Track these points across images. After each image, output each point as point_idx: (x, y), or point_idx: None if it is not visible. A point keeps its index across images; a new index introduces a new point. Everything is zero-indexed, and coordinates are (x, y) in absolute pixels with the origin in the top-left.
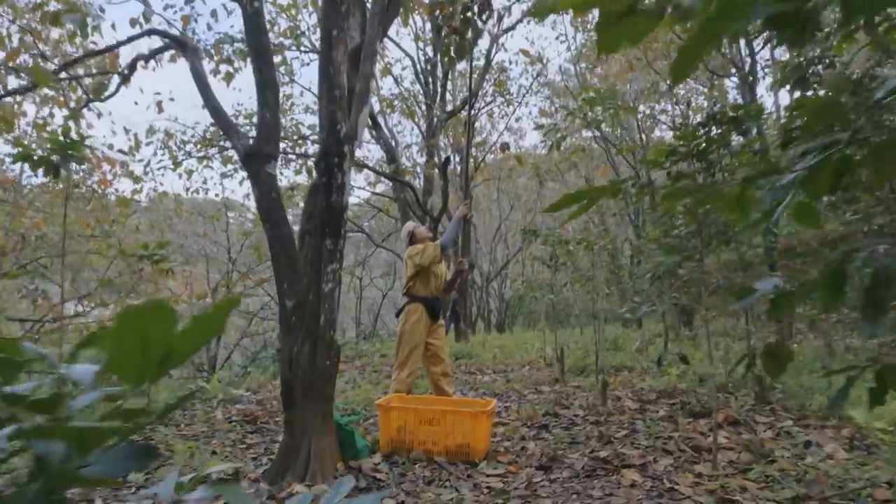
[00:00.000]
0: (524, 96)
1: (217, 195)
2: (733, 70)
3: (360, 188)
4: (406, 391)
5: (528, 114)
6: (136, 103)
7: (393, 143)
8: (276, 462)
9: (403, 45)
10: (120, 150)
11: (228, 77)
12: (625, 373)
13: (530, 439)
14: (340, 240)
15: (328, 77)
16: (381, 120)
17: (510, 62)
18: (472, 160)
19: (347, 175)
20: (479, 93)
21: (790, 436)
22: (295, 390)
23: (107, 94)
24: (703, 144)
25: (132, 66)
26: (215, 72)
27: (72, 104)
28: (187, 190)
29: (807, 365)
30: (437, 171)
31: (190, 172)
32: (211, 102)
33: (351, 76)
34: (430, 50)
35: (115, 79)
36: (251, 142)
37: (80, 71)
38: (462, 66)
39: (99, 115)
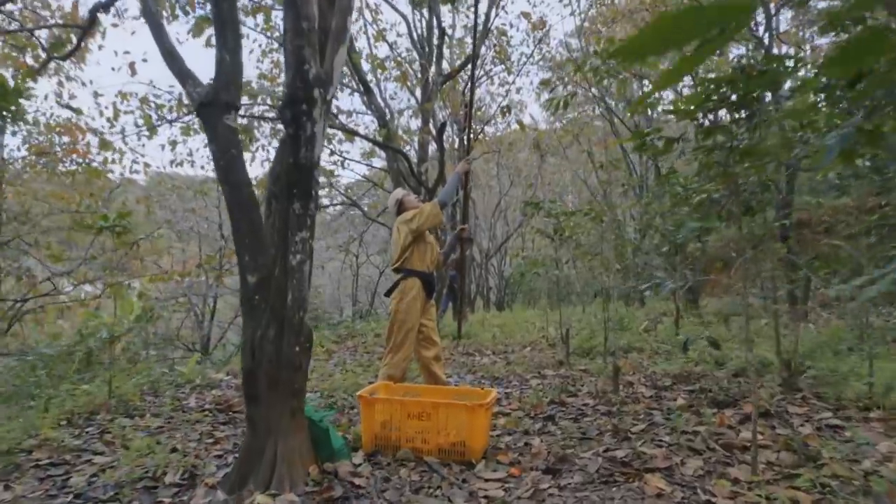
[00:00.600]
0: (524, 64)
1: (203, 167)
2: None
3: (356, 161)
4: (400, 376)
5: (528, 83)
6: (113, 69)
7: (387, 112)
8: (238, 466)
9: (397, 9)
10: (74, 109)
11: (200, 31)
12: (634, 354)
13: (535, 434)
14: (311, 203)
15: (294, 5)
16: (375, 89)
17: (511, 25)
18: (471, 126)
19: (319, 125)
20: (478, 61)
21: (835, 431)
22: (258, 382)
23: (67, 50)
24: (747, 89)
25: (92, 18)
26: (195, 33)
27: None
28: (172, 162)
29: (831, 346)
30: (431, 137)
31: (174, 143)
32: (165, 45)
33: (326, 13)
34: (426, 11)
35: (94, 40)
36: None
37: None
38: (459, 32)
39: (67, 78)
